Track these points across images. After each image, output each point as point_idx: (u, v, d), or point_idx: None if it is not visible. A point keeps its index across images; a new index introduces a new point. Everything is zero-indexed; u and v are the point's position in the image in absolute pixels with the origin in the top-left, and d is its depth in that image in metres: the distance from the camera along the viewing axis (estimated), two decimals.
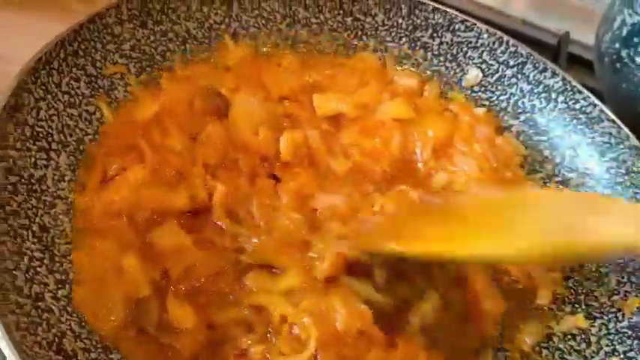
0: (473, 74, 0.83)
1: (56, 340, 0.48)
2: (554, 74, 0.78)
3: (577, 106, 0.77)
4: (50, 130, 0.60)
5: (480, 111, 0.82)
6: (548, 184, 0.75)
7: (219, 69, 0.76)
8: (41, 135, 0.58)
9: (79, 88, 0.64)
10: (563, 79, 0.77)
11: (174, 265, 0.57)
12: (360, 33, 0.84)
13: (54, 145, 0.60)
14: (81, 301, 0.52)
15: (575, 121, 0.77)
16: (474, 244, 0.52)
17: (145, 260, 0.56)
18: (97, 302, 0.53)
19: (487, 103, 0.82)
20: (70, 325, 0.50)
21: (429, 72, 0.85)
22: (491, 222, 0.54)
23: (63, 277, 0.53)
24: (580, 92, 0.76)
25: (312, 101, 0.74)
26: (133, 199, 0.59)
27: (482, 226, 0.54)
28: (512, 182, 0.73)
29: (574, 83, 0.77)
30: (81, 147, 0.62)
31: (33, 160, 0.57)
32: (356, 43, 0.85)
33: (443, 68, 0.85)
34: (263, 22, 0.81)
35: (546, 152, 0.78)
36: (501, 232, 0.52)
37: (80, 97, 0.64)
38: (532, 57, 0.79)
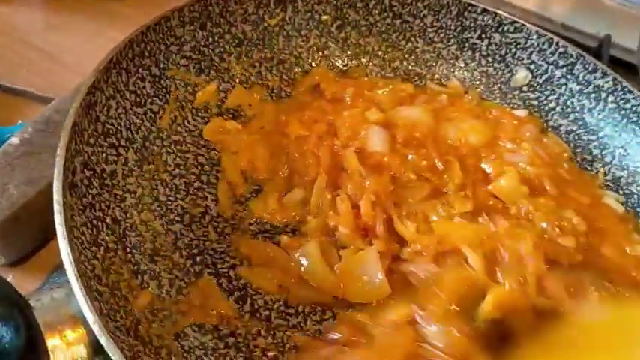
0: (522, 74, 0.84)
1: (133, 326, 0.50)
2: (604, 74, 0.78)
3: (627, 105, 0.77)
4: (119, 128, 0.62)
5: (522, 113, 0.82)
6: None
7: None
8: (111, 132, 0.61)
9: (144, 87, 0.66)
10: (614, 79, 0.77)
11: None
12: (408, 35, 0.86)
13: (122, 142, 0.62)
14: None
15: (625, 120, 0.77)
16: None
17: None
18: None
19: (535, 102, 0.83)
20: (144, 313, 0.52)
21: (476, 72, 0.86)
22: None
23: (135, 268, 0.55)
24: (630, 92, 0.77)
25: None
26: None
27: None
28: (570, 177, 0.73)
29: (625, 83, 0.77)
30: (146, 144, 0.65)
31: (104, 155, 0.59)
32: (404, 44, 0.86)
33: (491, 69, 0.85)
34: (314, 24, 0.83)
35: (596, 152, 0.78)
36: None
37: (145, 97, 0.66)
38: (582, 57, 0.79)
